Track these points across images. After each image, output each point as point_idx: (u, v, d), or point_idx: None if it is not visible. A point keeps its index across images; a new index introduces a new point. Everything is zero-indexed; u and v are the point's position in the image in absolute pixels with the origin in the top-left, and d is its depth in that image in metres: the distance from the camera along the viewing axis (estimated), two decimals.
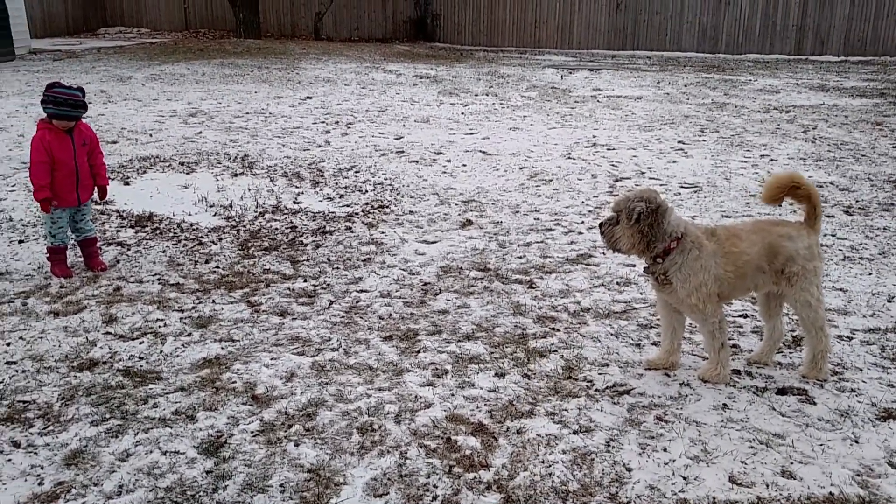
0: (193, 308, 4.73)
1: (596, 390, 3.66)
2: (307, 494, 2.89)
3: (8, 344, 4.20)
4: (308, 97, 13.45)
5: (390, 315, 4.65)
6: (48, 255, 5.21)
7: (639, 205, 3.43)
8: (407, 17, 25.05)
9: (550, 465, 3.04)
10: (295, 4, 25.20)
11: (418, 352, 4.12)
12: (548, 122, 11.57)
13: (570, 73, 17.25)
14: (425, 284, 5.15)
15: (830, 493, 2.85)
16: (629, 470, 3.02)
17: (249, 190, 7.52)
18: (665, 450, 3.15)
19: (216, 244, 6.00)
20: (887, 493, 2.84)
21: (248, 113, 11.84)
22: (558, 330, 4.39)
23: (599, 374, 3.83)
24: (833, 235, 6.06)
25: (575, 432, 3.29)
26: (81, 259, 5.40)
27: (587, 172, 8.34)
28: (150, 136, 9.93)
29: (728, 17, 22.70)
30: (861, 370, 3.83)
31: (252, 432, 3.31)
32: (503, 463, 3.07)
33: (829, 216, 6.61)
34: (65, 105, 4.85)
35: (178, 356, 4.07)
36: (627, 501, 2.83)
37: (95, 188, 5.31)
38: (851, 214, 6.66)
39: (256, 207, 6.98)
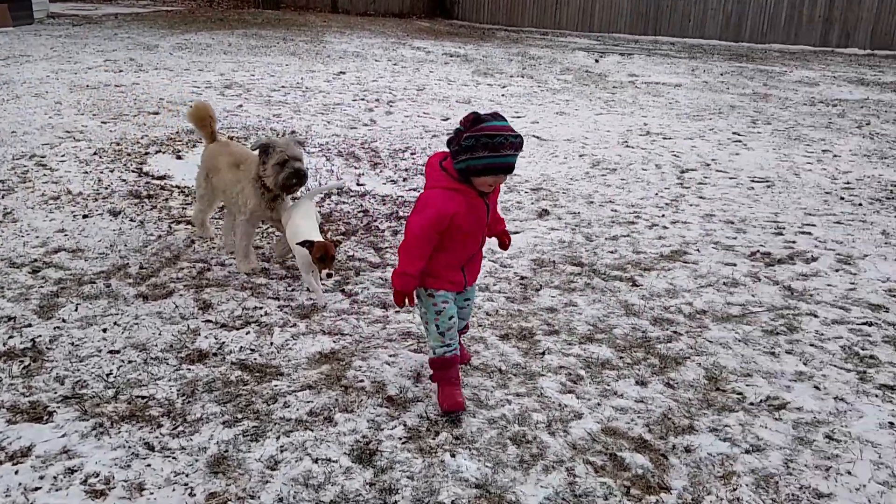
0: (289, 296, 4.49)
1: (751, 404, 3.46)
2: None
3: (104, 330, 3.95)
4: (341, 72, 13.11)
5: (497, 311, 4.43)
6: (433, 367, 3.33)
7: None
8: None
9: (735, 489, 2.84)
10: None
11: (543, 353, 3.90)
12: (592, 107, 11.30)
13: (602, 56, 16.94)
14: (522, 279, 4.93)
15: None
16: (820, 496, 2.82)
17: (308, 169, 7.23)
18: (850, 473, 2.95)
19: None
20: None
21: (283, 86, 11.51)
22: (681, 334, 4.18)
23: (747, 385, 3.62)
24: None
25: (747, 451, 3.09)
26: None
27: (650, 162, 8.10)
28: (191, 107, 9.58)
29: (753, 5, 22.38)
30: None
31: (400, 439, 3.09)
32: (683, 486, 2.86)
33: None
34: (508, 148, 2.89)
35: (290, 349, 3.84)
36: None
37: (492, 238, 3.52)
38: None
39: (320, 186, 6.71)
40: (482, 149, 2.86)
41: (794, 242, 5.70)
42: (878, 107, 12.06)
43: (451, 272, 3.22)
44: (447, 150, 3.06)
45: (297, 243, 4.12)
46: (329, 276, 4.03)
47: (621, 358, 3.88)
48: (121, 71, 11.82)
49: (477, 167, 2.92)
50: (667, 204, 6.66)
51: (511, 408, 3.36)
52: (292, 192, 4.72)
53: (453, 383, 3.28)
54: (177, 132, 8.26)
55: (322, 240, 4.12)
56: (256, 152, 4.61)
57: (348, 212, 6.12)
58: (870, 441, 3.18)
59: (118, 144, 7.67)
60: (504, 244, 3.52)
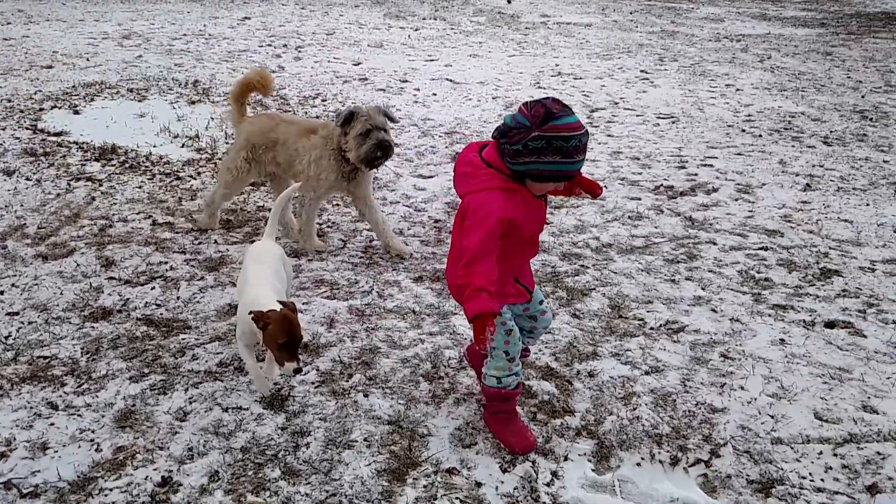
0: (196, 250, 4.39)
1: (651, 329, 3.61)
2: (396, 448, 2.73)
3: (1, 292, 3.79)
4: (246, 17, 12.67)
5: (411, 255, 4.45)
6: (489, 400, 2.80)
7: None
8: None
9: (635, 409, 2.98)
10: None
11: None
12: (505, 49, 11.29)
13: None
14: (436, 222, 4.95)
15: None
16: (714, 410, 2.99)
17: (213, 118, 7.03)
18: (742, 388, 3.13)
19: (196, 178, 5.60)
20: None
21: (185, 34, 11.06)
22: (588, 267, 4.30)
23: (648, 311, 3.77)
24: (821, 166, 6.16)
25: (647, 373, 3.23)
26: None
27: None
28: (87, 59, 9.13)
29: None
30: (894, 302, 3.92)
31: (313, 383, 3.10)
32: (586, 408, 2.99)
33: (810, 146, 6.72)
34: (581, 152, 2.36)
35: (198, 302, 3.77)
36: (724, 443, 2.80)
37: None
38: (831, 145, 6.79)
39: (226, 138, 6.53)
40: (554, 153, 2.31)
41: (696, 175, 5.89)
42: (779, 41, 12.45)
43: (507, 283, 2.64)
44: (490, 139, 2.51)
45: (250, 314, 2.78)
46: (297, 371, 2.74)
47: None
48: (8, 23, 11.10)
49: (543, 173, 2.37)
50: None
51: (424, 346, 3.41)
52: (376, 167, 4.14)
53: (516, 417, 2.83)
54: (73, 86, 7.86)
55: (282, 309, 2.79)
56: (338, 120, 4.07)
57: None
58: (762, 357, 3.37)
59: (9, 101, 7.25)
60: (595, 192, 2.76)
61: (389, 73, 9.33)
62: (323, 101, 7.89)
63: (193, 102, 7.61)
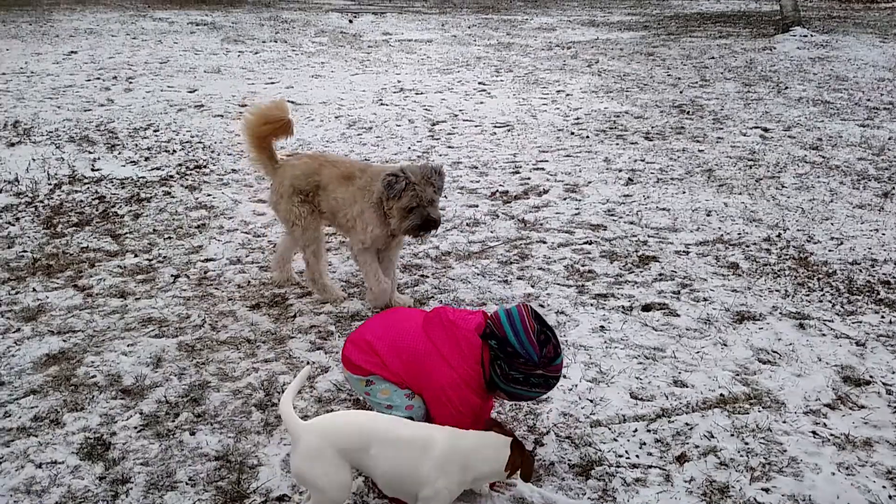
0: (12, 300, 4.12)
1: None
2: (223, 483, 2.66)
3: None
4: (73, 52, 12.05)
5: (248, 282, 4.37)
6: None
7: None
8: None
9: None
10: None
11: (294, 316, 3.92)
12: (347, 68, 11.33)
13: (356, 16, 16.95)
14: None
15: (721, 394, 3.14)
16: (539, 401, 3.11)
17: (34, 160, 6.64)
18: (565, 376, 3.28)
19: (14, 224, 5.26)
20: (766, 387, 3.19)
21: (4, 73, 10.38)
22: (427, 276, 4.38)
23: None
24: (643, 160, 6.58)
25: None
26: None
27: (403, 118, 8.30)
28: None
29: None
30: (706, 280, 4.23)
31: (135, 427, 2.97)
32: None
33: (633, 143, 7.15)
34: (549, 388, 2.66)
35: (13, 356, 3.54)
36: (546, 431, 2.92)
37: None
38: (651, 140, 7.26)
39: (49, 179, 6.18)
40: (544, 387, 2.61)
41: (528, 179, 6.13)
42: (606, 45, 13.19)
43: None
44: (487, 331, 2.60)
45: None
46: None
47: (371, 308, 3.99)
48: None
49: (523, 397, 2.66)
50: (419, 156, 6.88)
51: (258, 375, 3.35)
52: (418, 238, 4.06)
53: None
54: None
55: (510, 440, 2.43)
56: (381, 175, 3.71)
57: (81, 201, 5.69)
58: (583, 345, 3.55)
59: None
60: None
61: (227, 98, 9.15)
62: (155, 131, 7.62)
63: (13, 144, 7.15)
